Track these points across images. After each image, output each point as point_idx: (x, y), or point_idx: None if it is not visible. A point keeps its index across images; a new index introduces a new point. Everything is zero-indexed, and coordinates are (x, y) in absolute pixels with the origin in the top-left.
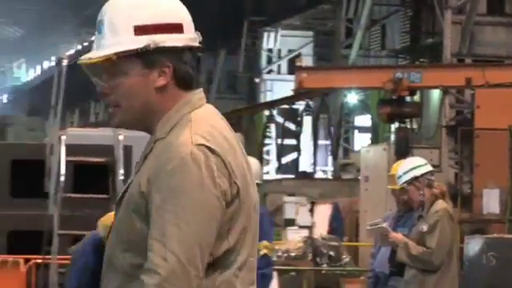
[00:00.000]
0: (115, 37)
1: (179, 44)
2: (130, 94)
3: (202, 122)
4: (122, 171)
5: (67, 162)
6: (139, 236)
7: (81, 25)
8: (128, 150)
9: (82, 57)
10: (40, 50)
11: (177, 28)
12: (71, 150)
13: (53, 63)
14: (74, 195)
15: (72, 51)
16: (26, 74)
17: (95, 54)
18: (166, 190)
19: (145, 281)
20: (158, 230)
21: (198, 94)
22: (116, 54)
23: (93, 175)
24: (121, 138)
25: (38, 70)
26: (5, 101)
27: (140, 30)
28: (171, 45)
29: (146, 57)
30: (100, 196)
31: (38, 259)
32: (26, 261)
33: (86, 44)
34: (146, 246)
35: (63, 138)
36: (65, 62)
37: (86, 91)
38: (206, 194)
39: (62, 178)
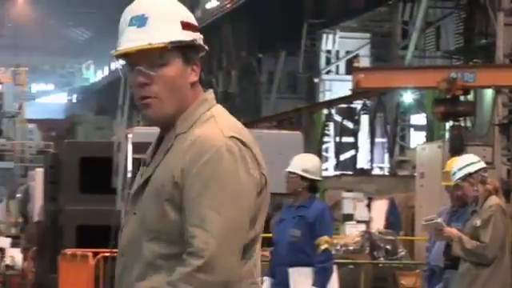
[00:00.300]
0: (166, 28)
1: (202, 44)
2: (172, 85)
3: (225, 118)
4: None
5: (134, 159)
6: (171, 225)
7: None
8: None
9: (129, 45)
10: (107, 51)
11: (198, 30)
12: (137, 147)
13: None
14: None
15: None
16: (94, 74)
17: (155, 41)
18: (204, 180)
19: (188, 262)
20: (197, 217)
21: (211, 93)
22: (172, 42)
23: None
24: None
25: (106, 71)
26: (74, 100)
27: (185, 26)
28: (202, 45)
29: (186, 52)
30: None
31: (106, 253)
32: (95, 254)
33: None
34: (177, 236)
35: (130, 136)
36: None
37: None
38: (242, 183)
39: (129, 175)
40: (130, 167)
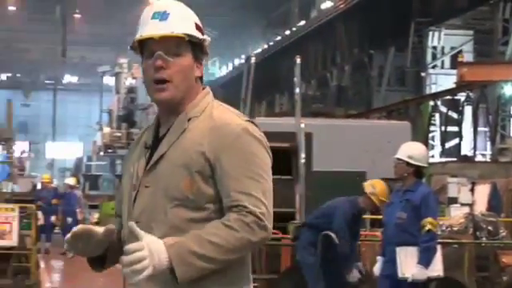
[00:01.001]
0: (184, 25)
1: (206, 47)
2: (184, 72)
3: (230, 108)
4: (303, 155)
5: None
6: (199, 194)
7: (267, 27)
8: (308, 137)
9: (155, 32)
10: (231, 49)
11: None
12: None
13: (242, 61)
14: None
15: (259, 50)
16: (219, 70)
17: (176, 30)
18: (238, 154)
19: (240, 212)
20: (240, 185)
21: (209, 89)
22: (188, 35)
23: (278, 159)
24: (302, 126)
25: (230, 67)
26: None
27: (197, 27)
28: (207, 46)
29: (195, 50)
30: (285, 177)
31: None
32: None
33: (271, 43)
34: (203, 203)
35: None
36: (253, 60)
37: (271, 85)
38: (267, 156)
39: None
40: None
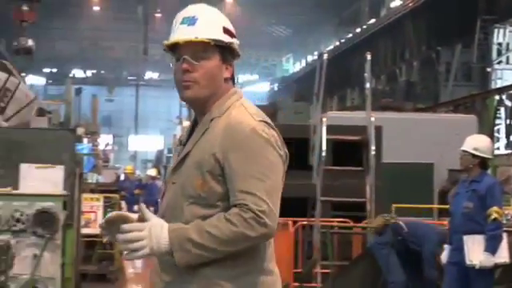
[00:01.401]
0: (209, 30)
1: (237, 49)
2: (210, 75)
3: (252, 106)
4: (373, 147)
5: (328, 140)
6: (210, 192)
7: (339, 25)
8: (378, 130)
9: (183, 36)
10: (305, 46)
11: (235, 37)
12: (331, 129)
13: (315, 57)
14: (333, 167)
15: (331, 47)
16: (293, 66)
17: (200, 35)
18: (244, 155)
19: (242, 208)
20: (245, 184)
21: (239, 88)
22: (214, 40)
23: (349, 151)
24: (372, 119)
25: (303, 63)
26: (275, 89)
27: (225, 31)
28: (237, 49)
29: (223, 52)
30: (355, 168)
31: (304, 221)
32: (294, 222)
33: (343, 41)
34: (214, 201)
35: (324, 119)
36: (325, 57)
37: (343, 80)
38: (275, 155)
39: (324, 153)
40: (324, 147)
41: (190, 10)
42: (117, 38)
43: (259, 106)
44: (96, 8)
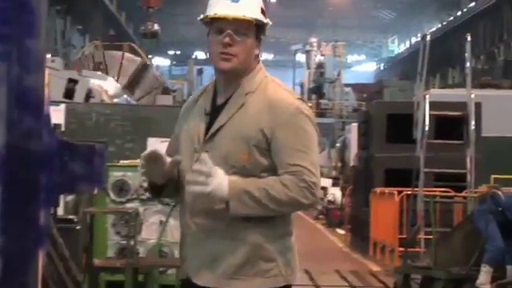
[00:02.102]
0: (252, 9)
1: (267, 29)
2: (247, 50)
3: (282, 83)
4: (473, 122)
5: (430, 116)
6: (255, 164)
7: (440, 8)
8: (478, 106)
9: (228, 12)
10: (408, 28)
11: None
12: (433, 106)
13: (418, 39)
14: (435, 141)
15: (433, 29)
16: (398, 47)
17: (247, 14)
18: (292, 130)
19: (298, 176)
20: (293, 157)
21: (262, 65)
22: (256, 19)
23: (450, 125)
24: (472, 96)
25: (407, 44)
26: (381, 68)
27: (262, 11)
28: (266, 28)
29: (259, 31)
30: (456, 142)
31: (408, 191)
32: (399, 192)
33: (444, 23)
34: (258, 171)
35: (427, 96)
36: (428, 38)
37: (444, 60)
38: (314, 130)
39: (427, 128)
40: (427, 122)
41: None
42: None
43: (366, 85)
44: None
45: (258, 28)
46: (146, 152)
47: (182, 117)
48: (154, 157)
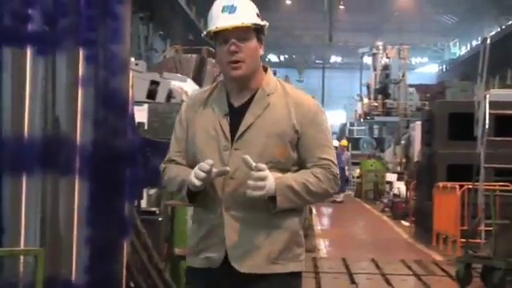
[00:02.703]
0: (248, 16)
1: (265, 30)
2: (253, 53)
3: (290, 84)
4: None
5: (490, 114)
6: (288, 158)
7: (499, 14)
8: None
9: (227, 24)
10: (469, 32)
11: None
12: (493, 105)
13: (479, 42)
14: (495, 138)
15: (493, 33)
16: (459, 50)
17: (246, 21)
18: (318, 127)
19: (327, 169)
20: (321, 151)
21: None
22: (254, 24)
23: (509, 123)
24: None
25: (468, 47)
26: (444, 70)
27: (258, 15)
28: (265, 30)
29: (259, 33)
30: None
31: (469, 185)
32: (461, 186)
33: (503, 27)
34: (290, 165)
35: (487, 96)
36: (488, 41)
37: (503, 62)
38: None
39: (487, 126)
40: (487, 120)
41: (228, 0)
42: (305, 27)
43: (429, 85)
44: (288, 2)
45: (257, 31)
46: (204, 166)
47: (191, 118)
48: (217, 172)
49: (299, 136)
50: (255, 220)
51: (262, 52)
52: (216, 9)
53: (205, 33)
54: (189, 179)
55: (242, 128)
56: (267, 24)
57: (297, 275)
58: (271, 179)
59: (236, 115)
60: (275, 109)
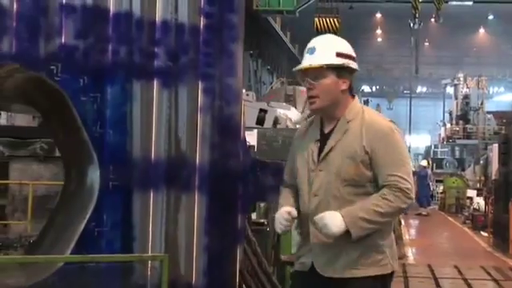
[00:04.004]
0: (325, 56)
1: (354, 67)
2: (326, 89)
3: (375, 111)
4: None
5: None
6: (362, 176)
7: None
8: None
9: (304, 65)
10: None
11: (354, 59)
12: None
13: None
14: None
15: None
16: None
17: (314, 63)
18: (391, 147)
19: (393, 188)
20: (390, 169)
21: (357, 97)
22: (326, 64)
23: None
24: None
25: None
26: None
27: (338, 55)
28: (352, 67)
29: (339, 71)
30: None
31: None
32: None
33: None
34: (364, 182)
35: None
36: None
37: None
38: (404, 146)
39: None
40: None
41: (312, 42)
42: (395, 61)
43: (506, 112)
44: (379, 39)
45: (337, 68)
46: (290, 215)
47: (296, 146)
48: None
49: (370, 156)
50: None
51: (345, 87)
52: (305, 50)
53: (294, 70)
54: (276, 219)
55: (324, 151)
56: (349, 63)
57: (378, 278)
58: (331, 219)
59: (324, 140)
60: (351, 133)
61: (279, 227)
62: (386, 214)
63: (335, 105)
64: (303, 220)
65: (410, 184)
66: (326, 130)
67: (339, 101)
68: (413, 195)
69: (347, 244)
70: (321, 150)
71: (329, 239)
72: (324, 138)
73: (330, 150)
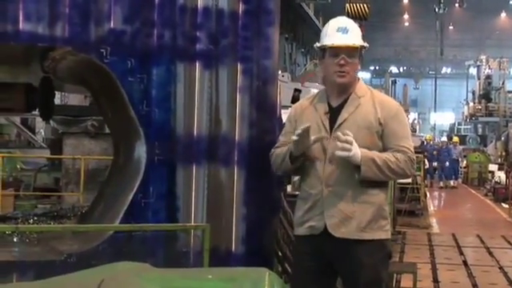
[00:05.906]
0: (358, 38)
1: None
2: (355, 68)
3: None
4: None
5: None
6: (375, 145)
7: None
8: None
9: (342, 42)
10: None
11: None
12: None
13: None
14: None
15: None
16: None
17: (356, 43)
18: (399, 122)
19: (405, 154)
20: (400, 140)
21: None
22: (362, 46)
23: None
24: None
25: None
26: None
27: (363, 37)
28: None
29: (360, 53)
30: None
31: None
32: None
33: None
34: (375, 151)
35: None
36: None
37: None
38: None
39: None
40: None
41: (343, 22)
42: (421, 44)
43: None
44: (406, 23)
45: (360, 50)
46: (300, 132)
47: (299, 115)
48: (307, 131)
49: (383, 128)
50: (348, 196)
51: (359, 67)
52: (331, 28)
53: (319, 45)
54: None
55: (339, 121)
56: (367, 45)
57: (383, 242)
58: (357, 148)
59: (334, 113)
60: (365, 107)
61: (294, 138)
62: (393, 170)
63: (352, 82)
64: (314, 184)
65: (414, 156)
66: (335, 105)
67: (355, 79)
68: (415, 166)
69: (359, 208)
70: (332, 121)
71: (343, 153)
72: (334, 111)
73: (344, 121)
